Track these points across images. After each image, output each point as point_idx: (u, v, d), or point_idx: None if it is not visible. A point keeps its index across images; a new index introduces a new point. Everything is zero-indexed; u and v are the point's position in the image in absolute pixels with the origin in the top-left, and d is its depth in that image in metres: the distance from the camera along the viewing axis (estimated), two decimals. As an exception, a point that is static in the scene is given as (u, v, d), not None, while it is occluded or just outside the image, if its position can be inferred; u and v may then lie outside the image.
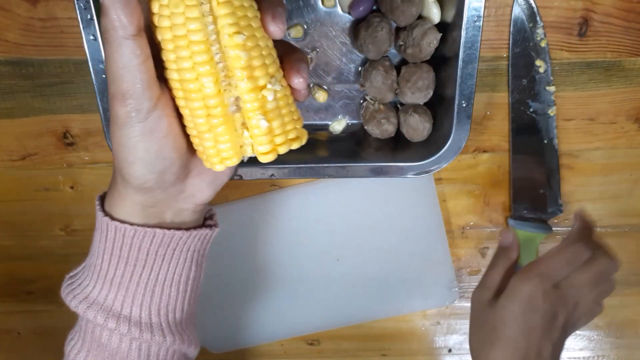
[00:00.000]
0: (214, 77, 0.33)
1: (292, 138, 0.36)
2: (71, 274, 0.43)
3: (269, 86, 0.34)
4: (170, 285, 0.41)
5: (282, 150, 0.36)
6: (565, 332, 0.48)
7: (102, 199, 0.41)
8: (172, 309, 0.42)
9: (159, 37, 0.33)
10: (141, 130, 0.34)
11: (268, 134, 0.35)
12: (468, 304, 0.68)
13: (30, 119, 0.60)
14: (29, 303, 0.70)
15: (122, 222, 0.38)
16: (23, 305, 0.70)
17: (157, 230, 0.39)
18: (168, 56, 0.33)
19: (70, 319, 0.63)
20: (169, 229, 0.39)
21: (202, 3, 0.31)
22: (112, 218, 0.39)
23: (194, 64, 0.32)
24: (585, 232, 0.51)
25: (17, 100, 0.59)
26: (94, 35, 0.49)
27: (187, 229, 0.41)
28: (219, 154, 0.35)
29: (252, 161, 0.39)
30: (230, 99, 0.34)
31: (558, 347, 0.48)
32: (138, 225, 0.38)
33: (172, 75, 0.33)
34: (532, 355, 0.46)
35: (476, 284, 0.67)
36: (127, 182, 0.37)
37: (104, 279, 0.40)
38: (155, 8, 0.32)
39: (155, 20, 0.32)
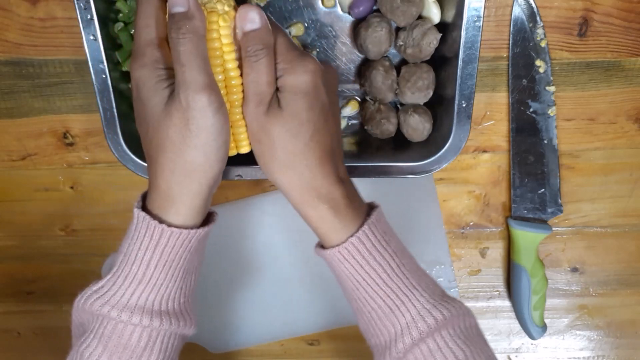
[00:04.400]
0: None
1: None
2: (95, 287, 0.43)
3: None
4: (193, 273, 0.44)
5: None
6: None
7: (141, 209, 0.42)
8: (191, 293, 0.45)
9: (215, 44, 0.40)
10: (225, 113, 0.39)
11: None
12: (468, 304, 0.68)
13: (30, 119, 0.60)
14: (29, 303, 0.70)
15: (179, 227, 0.41)
16: (23, 305, 0.70)
17: (204, 228, 0.43)
18: (216, 61, 0.40)
19: (70, 319, 0.63)
20: (203, 225, 0.43)
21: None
22: (169, 224, 0.41)
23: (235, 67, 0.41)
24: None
25: (17, 100, 0.59)
26: (94, 35, 0.49)
27: (208, 220, 0.44)
28: (245, 140, 0.43)
29: (251, 161, 0.44)
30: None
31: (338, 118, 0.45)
32: (191, 227, 0.42)
33: (219, 77, 0.40)
34: (335, 145, 0.43)
35: (476, 284, 0.67)
36: (203, 175, 0.40)
37: (146, 284, 0.42)
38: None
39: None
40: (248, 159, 0.44)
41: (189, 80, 0.37)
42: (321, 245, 0.45)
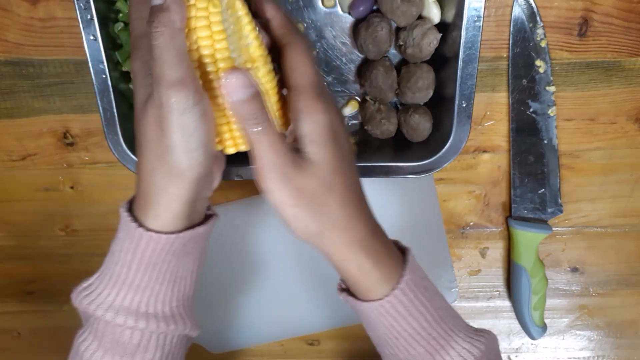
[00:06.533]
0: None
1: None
2: (85, 284, 0.42)
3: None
4: (186, 277, 0.43)
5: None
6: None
7: (127, 209, 0.41)
8: (186, 297, 0.43)
9: (197, 34, 0.36)
10: (200, 112, 0.36)
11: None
12: (468, 304, 0.68)
13: (30, 119, 0.60)
14: (29, 303, 0.70)
15: (157, 232, 0.39)
16: (23, 305, 0.70)
17: (187, 232, 0.40)
18: (204, 52, 0.36)
19: (70, 319, 0.63)
20: (192, 227, 0.40)
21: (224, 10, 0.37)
22: (147, 229, 0.39)
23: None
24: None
25: (17, 100, 0.59)
26: (94, 35, 0.49)
27: (202, 222, 0.42)
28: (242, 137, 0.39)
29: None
30: None
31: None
32: (171, 233, 0.39)
33: (208, 69, 0.36)
34: (359, 188, 0.41)
35: (476, 284, 0.67)
36: (181, 178, 0.37)
37: (129, 286, 0.40)
38: (192, 12, 0.36)
39: (192, 23, 0.36)
40: (248, 159, 0.44)
41: (159, 76, 0.35)
42: (347, 292, 0.43)
